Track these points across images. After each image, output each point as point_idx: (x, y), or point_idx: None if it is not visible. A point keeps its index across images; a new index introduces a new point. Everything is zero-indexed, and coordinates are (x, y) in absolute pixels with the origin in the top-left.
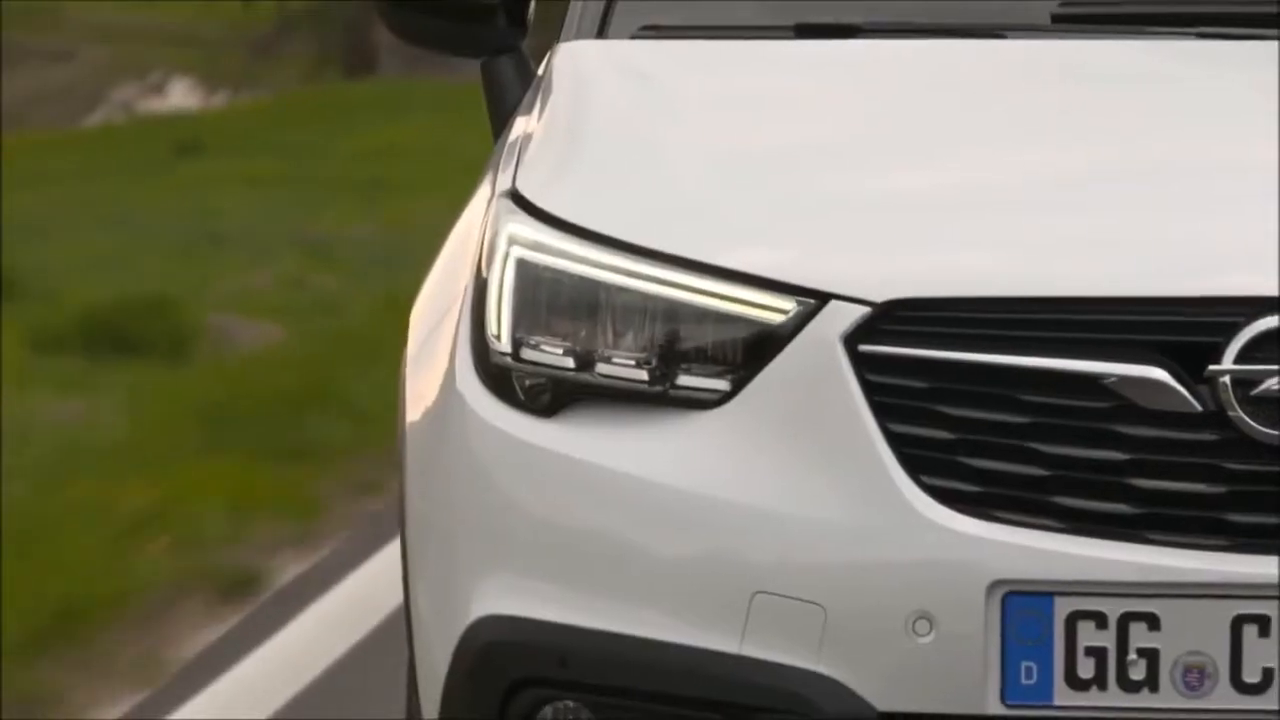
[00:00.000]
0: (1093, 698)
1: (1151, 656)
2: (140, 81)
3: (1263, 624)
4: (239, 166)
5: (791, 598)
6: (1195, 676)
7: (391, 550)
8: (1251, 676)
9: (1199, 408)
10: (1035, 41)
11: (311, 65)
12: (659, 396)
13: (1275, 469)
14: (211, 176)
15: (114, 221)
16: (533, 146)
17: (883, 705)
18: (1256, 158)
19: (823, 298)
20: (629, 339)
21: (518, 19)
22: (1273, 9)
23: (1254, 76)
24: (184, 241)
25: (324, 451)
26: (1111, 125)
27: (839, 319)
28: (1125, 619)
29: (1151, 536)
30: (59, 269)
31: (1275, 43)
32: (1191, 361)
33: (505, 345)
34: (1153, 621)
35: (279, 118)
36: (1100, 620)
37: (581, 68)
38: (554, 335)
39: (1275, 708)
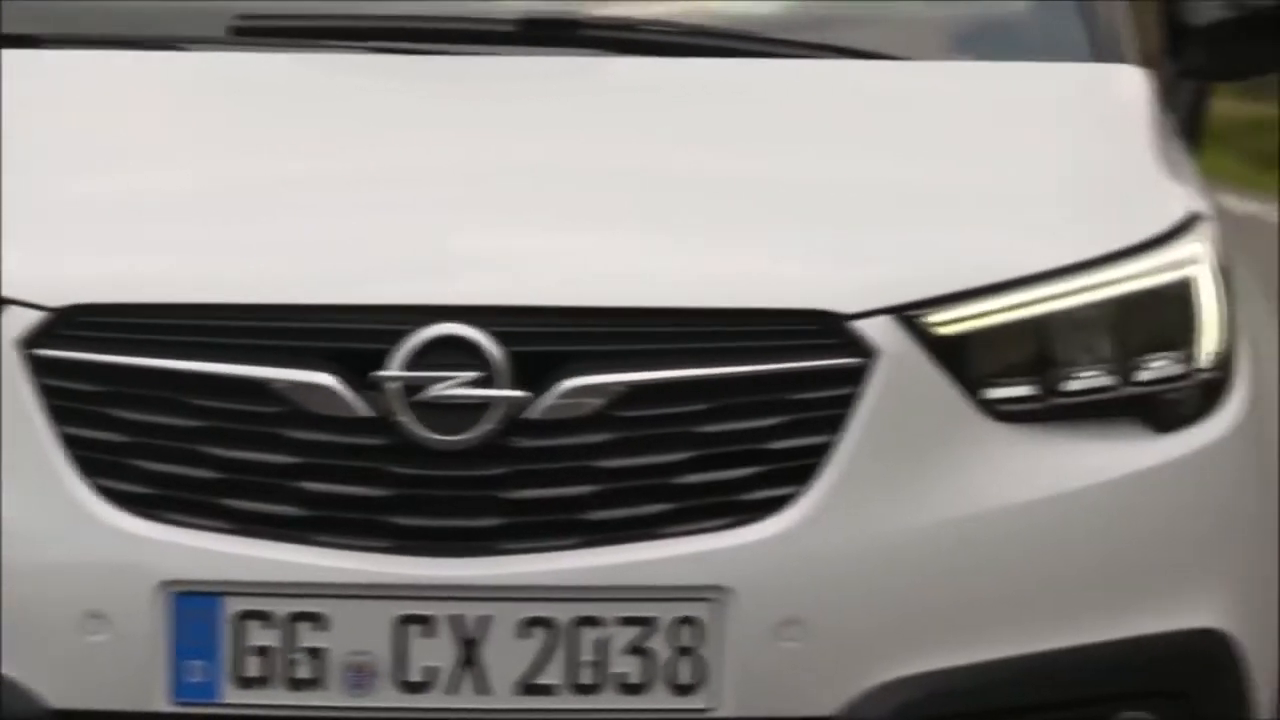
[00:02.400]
0: (260, 696)
1: (319, 655)
2: None
3: (425, 624)
4: None
5: None
6: (360, 675)
7: None
8: (415, 675)
9: (365, 413)
10: (210, 54)
11: None
12: None
13: (438, 473)
14: None
15: None
16: None
17: (56, 703)
18: (425, 168)
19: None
20: None
21: None
22: (441, 26)
23: (426, 89)
24: None
25: None
26: (285, 136)
27: (15, 323)
28: (293, 619)
29: (319, 538)
30: None
31: (446, 57)
32: (363, 367)
33: None
34: (320, 621)
35: None
36: (268, 620)
37: None
38: None
39: (437, 706)
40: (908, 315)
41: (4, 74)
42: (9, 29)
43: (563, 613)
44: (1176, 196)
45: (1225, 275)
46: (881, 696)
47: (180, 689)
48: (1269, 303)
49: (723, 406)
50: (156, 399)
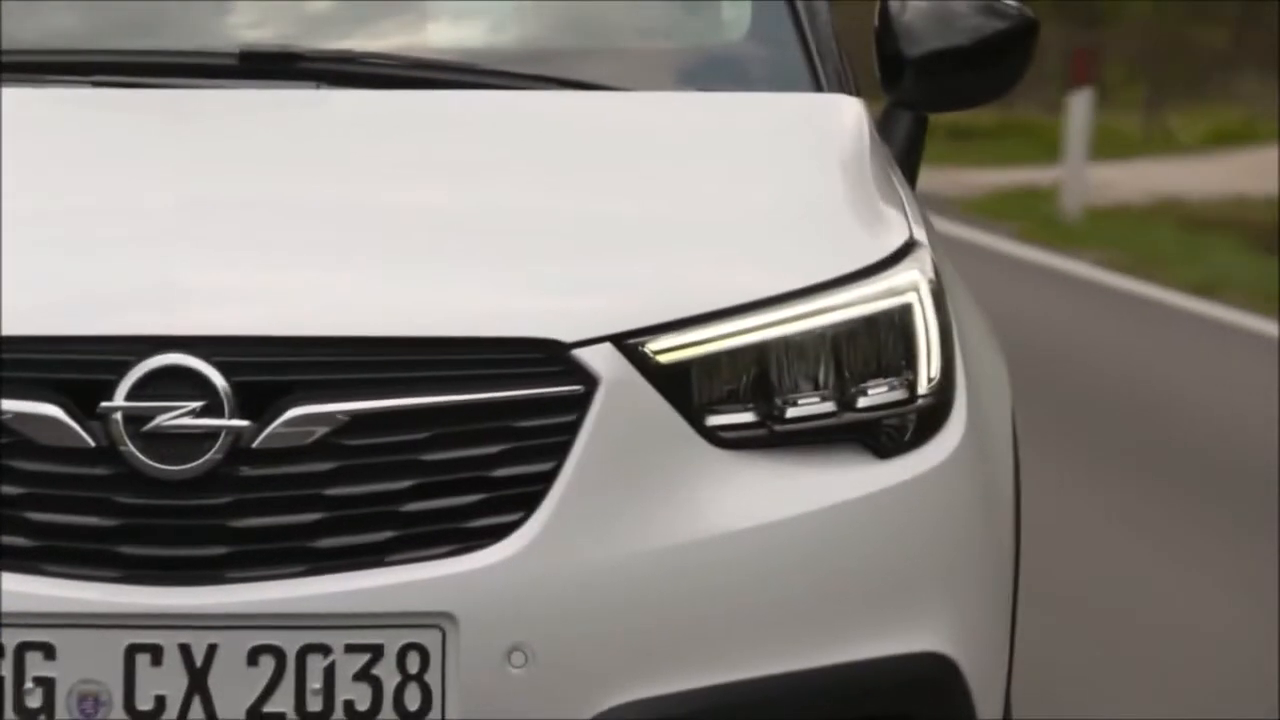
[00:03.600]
0: None
1: (48, 685)
2: None
3: (155, 653)
4: None
5: None
6: (90, 704)
7: None
8: (144, 704)
9: (91, 443)
10: None
11: None
12: None
13: (164, 502)
14: None
15: None
16: None
17: None
18: (146, 200)
19: None
20: None
21: None
22: (162, 61)
23: (147, 122)
24: None
25: None
26: (10, 170)
27: None
28: (22, 649)
29: (47, 568)
30: None
31: (168, 91)
32: (91, 397)
33: None
34: (49, 651)
35: None
36: None
37: None
38: None
39: None
40: (629, 343)
41: None
42: None
43: (290, 640)
44: (894, 224)
45: (942, 300)
46: None
47: None
48: (985, 320)
49: (446, 434)
50: None
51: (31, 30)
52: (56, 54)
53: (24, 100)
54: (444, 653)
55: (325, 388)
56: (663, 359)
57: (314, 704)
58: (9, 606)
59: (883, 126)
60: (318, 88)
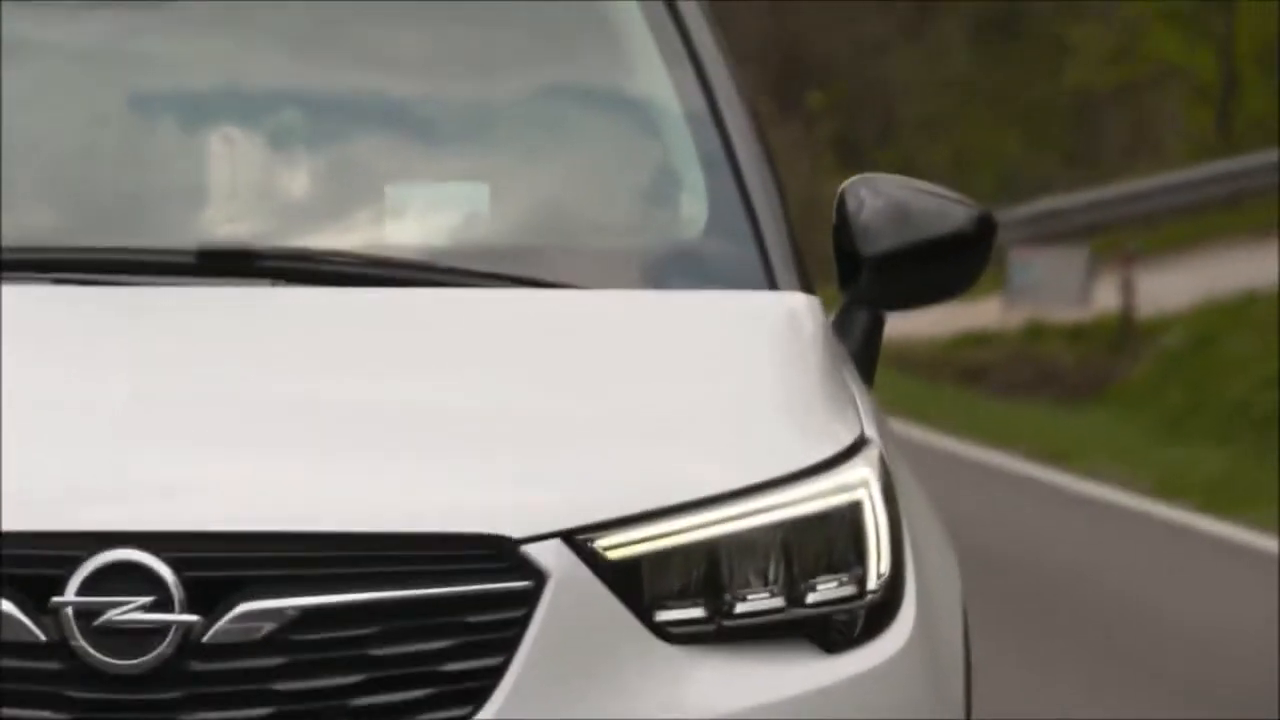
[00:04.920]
0: None
1: None
2: None
3: None
4: None
5: None
6: None
7: None
8: None
9: (43, 638)
10: None
11: None
12: None
13: (115, 696)
14: None
15: None
16: None
17: None
18: (99, 397)
19: None
20: None
21: None
22: (119, 258)
23: (100, 319)
24: None
25: None
26: None
27: None
28: None
29: None
30: None
31: (123, 288)
32: (44, 592)
33: None
34: None
35: None
36: None
37: None
38: None
39: None
40: (578, 539)
41: None
42: None
43: None
44: (846, 421)
45: (892, 496)
46: None
47: None
48: (936, 514)
49: (395, 629)
50: None
51: None
52: (15, 251)
53: None
54: None
55: (275, 583)
56: (612, 555)
57: None
58: None
59: (839, 323)
60: (274, 285)
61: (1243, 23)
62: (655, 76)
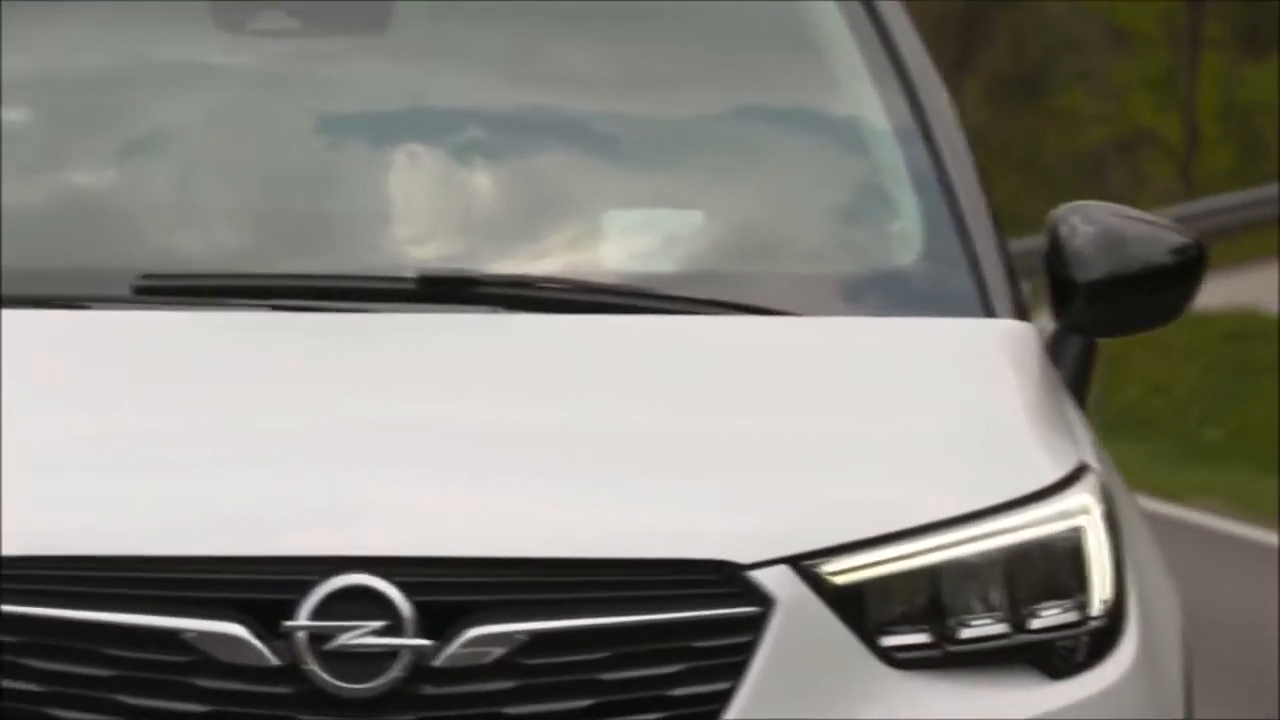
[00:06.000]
0: None
1: None
2: None
3: None
4: None
5: None
6: None
7: None
8: None
9: (275, 662)
10: (115, 312)
11: None
12: None
13: None
14: None
15: None
16: None
17: None
18: (329, 423)
19: None
20: None
21: None
22: (341, 285)
23: (328, 346)
24: None
25: None
26: (193, 393)
27: None
28: None
29: None
30: None
31: (346, 315)
32: (273, 616)
33: None
34: None
35: None
36: None
37: None
38: None
39: None
40: (804, 565)
41: None
42: None
43: None
44: (1065, 448)
45: (1114, 523)
46: None
47: None
48: (1150, 534)
49: (624, 654)
50: (71, 649)
51: (207, 249)
52: (235, 278)
53: (206, 325)
54: None
55: (505, 608)
56: (838, 580)
57: None
58: None
59: (1053, 350)
60: (493, 312)
61: (1206, 82)
62: (861, 88)
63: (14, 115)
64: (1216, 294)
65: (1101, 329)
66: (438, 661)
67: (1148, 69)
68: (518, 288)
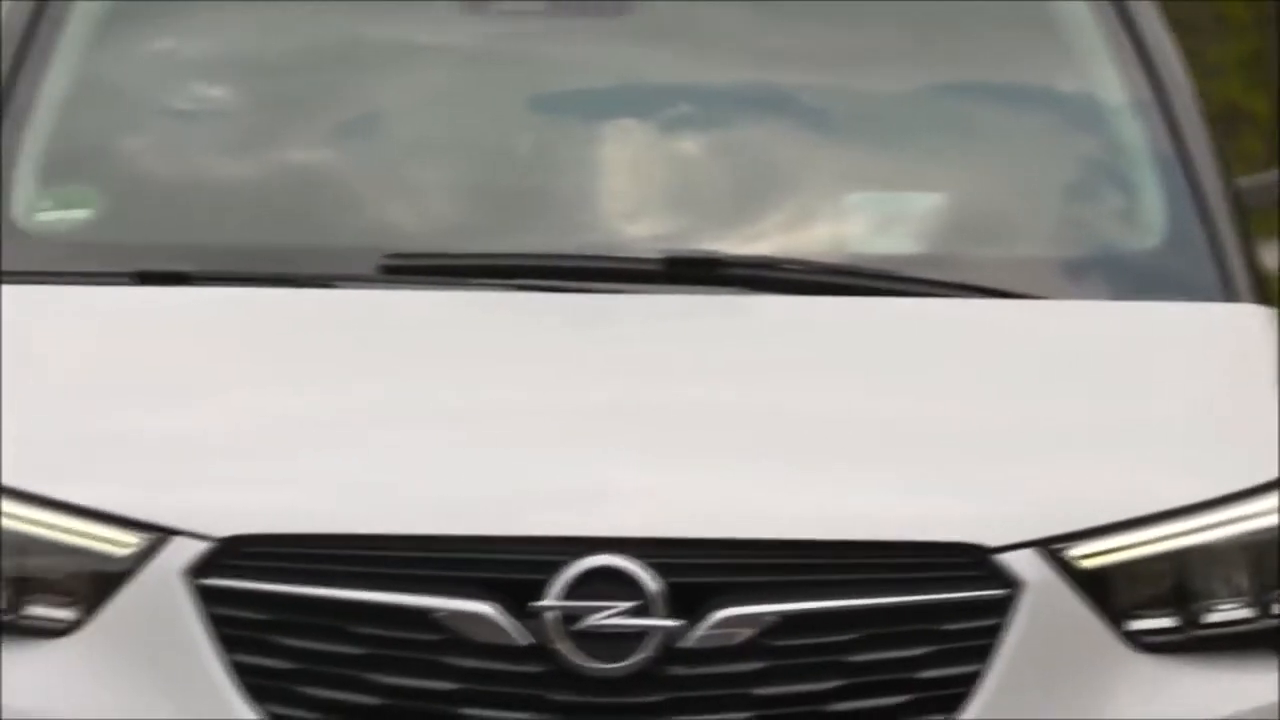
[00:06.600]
0: None
1: None
2: None
3: None
4: None
5: None
6: None
7: None
8: None
9: (524, 641)
10: (365, 291)
11: None
12: (9, 625)
13: (595, 700)
14: None
15: None
16: None
17: None
18: (576, 403)
19: (166, 532)
20: None
21: None
22: (585, 265)
23: (573, 327)
24: None
25: None
26: (438, 371)
27: (181, 553)
28: None
29: None
30: None
31: (591, 295)
32: (522, 595)
33: None
34: None
35: None
36: None
37: None
38: None
39: None
40: (1052, 548)
41: (155, 312)
42: (158, 267)
43: None
44: None
45: None
46: None
47: None
48: None
49: (872, 636)
50: (321, 627)
51: (446, 229)
52: (480, 257)
53: (452, 304)
54: None
55: (754, 589)
56: (1085, 564)
57: None
58: None
59: None
60: (738, 293)
61: None
62: (1102, 69)
63: (262, 93)
64: None
65: None
66: (687, 642)
67: (1240, 50)
68: (763, 269)
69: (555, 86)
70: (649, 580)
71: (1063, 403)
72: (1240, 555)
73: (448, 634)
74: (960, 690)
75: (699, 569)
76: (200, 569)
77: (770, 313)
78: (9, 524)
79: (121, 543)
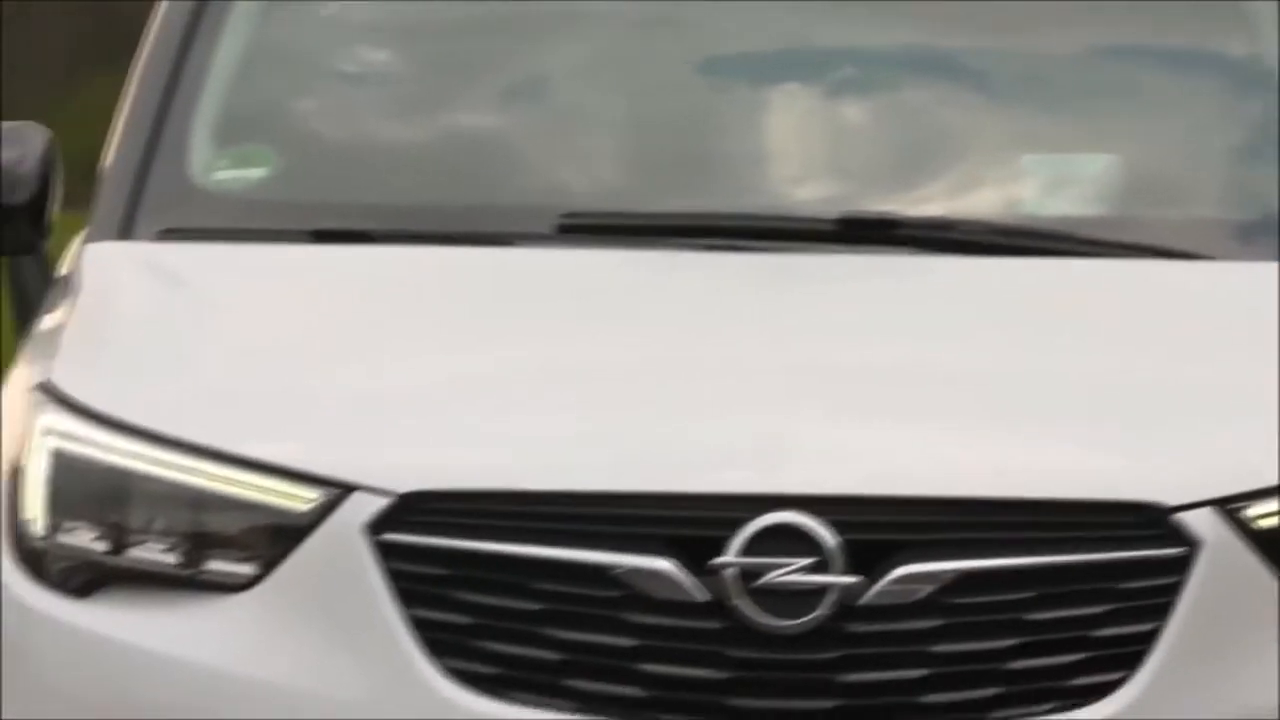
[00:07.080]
0: None
1: None
2: None
3: None
4: None
5: None
6: None
7: None
8: None
9: (702, 597)
10: (542, 250)
11: None
12: (189, 580)
13: (773, 656)
14: None
15: None
16: (66, 342)
17: None
18: (752, 361)
19: (346, 488)
20: (159, 525)
21: (39, 221)
22: (759, 225)
23: (750, 286)
24: None
25: None
26: (612, 329)
27: (362, 509)
28: None
29: (660, 718)
30: None
31: (766, 255)
32: (700, 552)
33: (40, 529)
34: None
35: None
36: None
37: (110, 268)
38: (87, 521)
39: None
40: (1229, 508)
41: (333, 270)
42: (335, 225)
43: None
44: None
45: None
46: None
47: None
48: None
49: (1050, 594)
50: (500, 582)
51: (623, 189)
52: (657, 216)
53: (630, 263)
54: None
55: (932, 547)
56: (1262, 524)
57: None
58: None
59: None
60: (914, 254)
61: None
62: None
63: (433, 56)
64: None
65: None
66: (865, 599)
67: None
68: (940, 229)
69: (725, 49)
70: (827, 537)
71: (1236, 363)
72: None
73: (626, 590)
74: (1137, 649)
75: (877, 526)
76: (380, 524)
77: (947, 273)
78: (189, 479)
79: (302, 498)
